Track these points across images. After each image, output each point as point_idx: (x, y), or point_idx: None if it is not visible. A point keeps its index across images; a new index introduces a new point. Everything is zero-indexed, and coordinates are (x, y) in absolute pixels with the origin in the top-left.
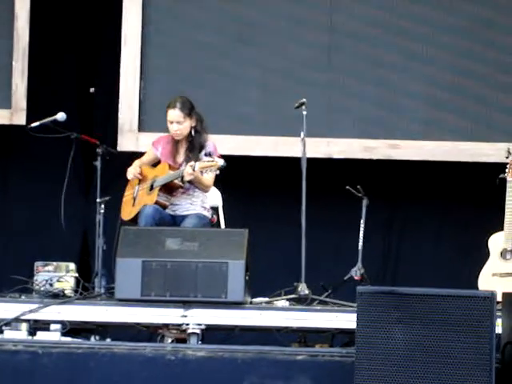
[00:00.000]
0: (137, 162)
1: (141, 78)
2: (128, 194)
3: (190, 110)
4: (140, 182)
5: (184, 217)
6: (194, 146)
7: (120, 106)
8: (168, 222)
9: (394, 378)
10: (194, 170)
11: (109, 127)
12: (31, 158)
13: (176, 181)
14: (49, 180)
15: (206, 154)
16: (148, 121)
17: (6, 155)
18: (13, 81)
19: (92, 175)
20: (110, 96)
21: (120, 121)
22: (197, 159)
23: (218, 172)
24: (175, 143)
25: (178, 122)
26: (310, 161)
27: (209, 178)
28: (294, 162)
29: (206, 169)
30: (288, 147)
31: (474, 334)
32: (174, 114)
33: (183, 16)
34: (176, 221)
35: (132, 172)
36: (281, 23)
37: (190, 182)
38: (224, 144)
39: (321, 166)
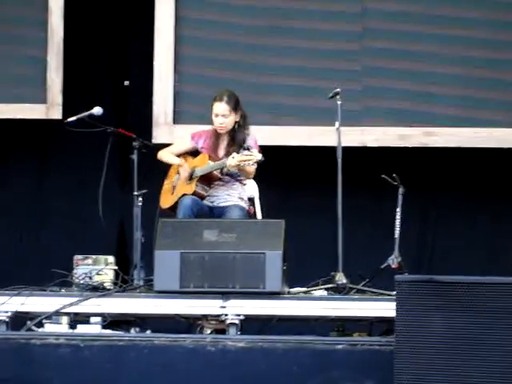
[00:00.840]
0: (169, 153)
1: (175, 71)
2: (168, 183)
3: (235, 104)
4: (179, 171)
5: (222, 208)
6: (236, 141)
7: (154, 98)
8: (206, 213)
9: (434, 367)
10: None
11: (144, 120)
12: (67, 152)
13: (215, 172)
14: (85, 174)
15: (245, 148)
16: (183, 113)
17: (43, 150)
18: (48, 76)
19: (128, 168)
20: (145, 89)
21: (155, 113)
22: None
23: (255, 166)
24: (217, 137)
25: (224, 116)
26: (345, 150)
27: (250, 167)
28: (329, 151)
29: (244, 162)
30: (322, 137)
31: None
32: (221, 107)
33: (215, 7)
34: (214, 212)
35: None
36: (313, 12)
37: (228, 175)
38: (259, 135)
39: (355, 155)
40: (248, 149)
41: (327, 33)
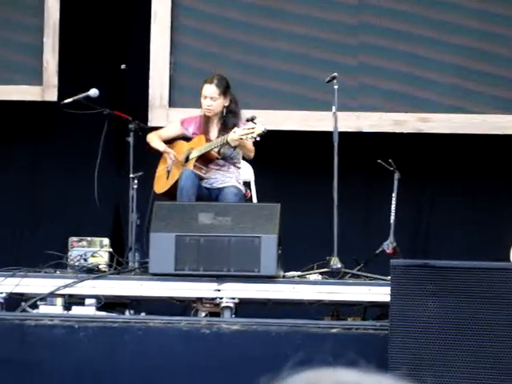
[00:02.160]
0: (156, 138)
1: (171, 54)
2: (162, 169)
3: (225, 88)
4: (165, 158)
5: (220, 189)
6: (227, 126)
7: (150, 81)
8: (204, 195)
9: (428, 351)
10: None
11: (140, 103)
12: (63, 134)
13: (213, 152)
14: (81, 156)
15: (247, 120)
16: (178, 96)
17: (38, 132)
18: (44, 58)
19: (123, 151)
20: (141, 72)
21: (150, 96)
22: None
23: (259, 138)
24: (207, 123)
25: (212, 98)
26: (340, 135)
27: (250, 142)
28: (324, 136)
29: (247, 135)
30: (318, 121)
31: (509, 307)
32: (210, 90)
33: None
34: (211, 194)
35: (173, 159)
36: None
37: (224, 158)
38: (250, 114)
39: (351, 140)
40: (252, 120)
41: (323, 16)
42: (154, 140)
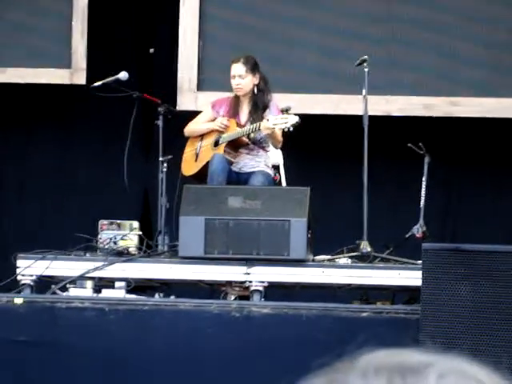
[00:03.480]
0: (196, 124)
1: (199, 38)
2: (189, 151)
3: (253, 66)
4: (202, 138)
5: (249, 174)
6: (258, 105)
7: (179, 65)
8: (233, 179)
9: (460, 335)
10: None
11: (168, 87)
12: (92, 117)
13: (243, 137)
14: (110, 139)
15: (282, 111)
16: (207, 80)
17: (67, 115)
18: (73, 41)
19: (152, 135)
20: (170, 56)
21: (179, 80)
22: (261, 119)
23: (292, 129)
24: (237, 103)
25: (240, 76)
26: (369, 118)
27: (279, 133)
28: (353, 119)
29: (280, 125)
30: (347, 105)
31: None
32: (237, 68)
33: None
34: (240, 178)
35: (221, 123)
36: None
37: (253, 142)
38: (283, 102)
39: (380, 124)
40: (287, 110)
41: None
42: (197, 126)
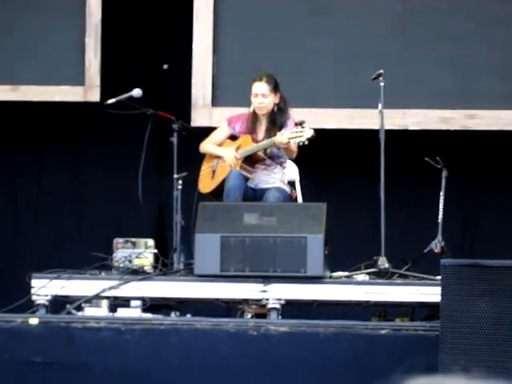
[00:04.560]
0: (211, 145)
1: (213, 53)
2: (206, 168)
3: (275, 85)
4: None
5: (264, 190)
6: (275, 124)
7: (193, 81)
8: (249, 195)
9: (480, 352)
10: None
11: (182, 103)
12: (106, 134)
13: (259, 153)
14: (124, 157)
15: (296, 124)
16: (221, 95)
17: (81, 132)
18: (86, 58)
19: (166, 152)
20: (183, 72)
21: (193, 96)
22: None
23: (307, 142)
24: (254, 121)
25: (263, 95)
26: (385, 133)
27: (295, 145)
28: (369, 134)
29: (296, 139)
30: (362, 119)
31: None
32: (260, 87)
33: None
34: (256, 194)
35: (232, 161)
36: None
37: (270, 157)
38: (298, 117)
39: (396, 138)
40: (301, 124)
41: (368, 13)
42: (211, 147)
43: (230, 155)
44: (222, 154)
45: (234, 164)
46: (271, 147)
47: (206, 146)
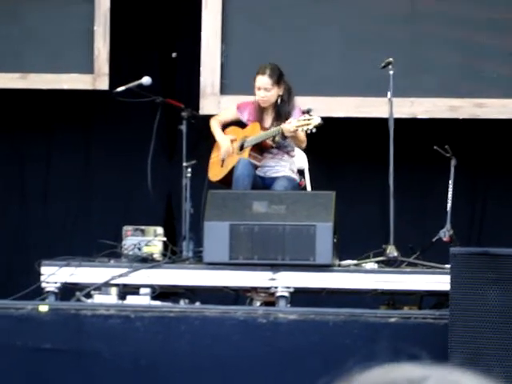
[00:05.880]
0: (217, 125)
1: (222, 41)
2: (215, 156)
3: (278, 77)
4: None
5: (273, 179)
6: (281, 114)
7: (202, 69)
8: (258, 183)
9: (489, 340)
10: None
11: (191, 91)
12: (115, 122)
13: (268, 141)
14: (133, 145)
15: (303, 112)
16: (230, 83)
17: (90, 120)
18: (95, 46)
19: (175, 140)
20: (192, 60)
21: (202, 84)
22: None
23: (315, 130)
24: (261, 111)
25: (266, 89)
26: (394, 121)
27: (303, 134)
28: (378, 122)
29: (303, 126)
30: (370, 108)
31: None
32: (263, 81)
33: None
34: (265, 182)
35: (226, 151)
36: None
37: (277, 147)
38: (305, 105)
39: (405, 127)
40: (308, 112)
41: (376, 0)
42: (215, 126)
43: (225, 144)
44: (218, 139)
45: (226, 154)
46: (279, 135)
47: (213, 123)
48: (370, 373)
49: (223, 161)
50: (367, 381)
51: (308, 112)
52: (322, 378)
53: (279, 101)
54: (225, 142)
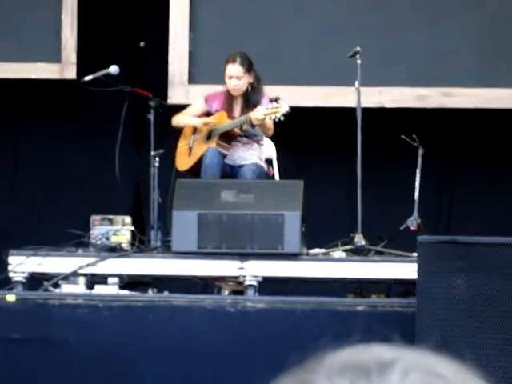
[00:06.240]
0: (185, 117)
1: (190, 30)
2: (182, 145)
3: (249, 65)
4: (195, 131)
5: (242, 166)
6: (250, 103)
7: (169, 58)
8: (227, 172)
9: (456, 328)
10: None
11: (159, 81)
12: (82, 112)
13: (236, 129)
14: (101, 134)
15: (271, 100)
16: (198, 73)
17: (58, 109)
18: (62, 35)
19: (143, 129)
20: (160, 49)
21: (170, 73)
22: None
23: (283, 118)
24: (230, 100)
25: (238, 78)
26: (362, 110)
27: (271, 122)
28: (346, 111)
29: (271, 115)
30: (339, 97)
31: None
32: (234, 69)
33: None
34: (233, 171)
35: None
36: None
37: (246, 136)
38: (274, 94)
39: (373, 116)
40: (276, 100)
41: None
42: (184, 118)
43: (197, 120)
44: (194, 123)
45: (201, 125)
46: (247, 123)
47: (179, 118)
48: (338, 354)
49: (190, 150)
50: (335, 363)
51: (276, 100)
52: (290, 360)
53: (249, 89)
54: (208, 120)
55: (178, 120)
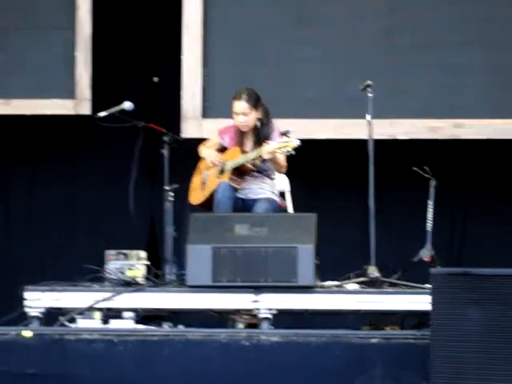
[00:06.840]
0: (205, 149)
1: (203, 65)
2: (196, 179)
3: (255, 101)
4: (209, 167)
5: (254, 200)
6: (261, 137)
7: (183, 93)
8: (239, 206)
9: (471, 360)
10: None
11: (173, 115)
12: (97, 147)
13: (248, 164)
14: (115, 170)
15: (282, 134)
16: (211, 107)
17: (72, 145)
18: (76, 71)
19: (157, 164)
20: (174, 84)
21: (183, 108)
22: None
23: (293, 152)
24: (241, 135)
25: (244, 114)
26: (374, 142)
27: (283, 157)
28: (358, 143)
29: (282, 149)
30: (351, 129)
31: None
32: (240, 106)
33: (243, 2)
34: (246, 204)
35: (212, 156)
36: (341, 3)
37: (258, 171)
38: (284, 128)
39: (385, 148)
40: (286, 134)
41: (356, 24)
42: (203, 151)
43: (211, 153)
44: (207, 158)
45: (212, 161)
46: (259, 158)
47: (201, 149)
48: None
49: (204, 184)
50: None
51: (286, 134)
52: None
53: (259, 124)
54: (211, 152)
55: (200, 150)
